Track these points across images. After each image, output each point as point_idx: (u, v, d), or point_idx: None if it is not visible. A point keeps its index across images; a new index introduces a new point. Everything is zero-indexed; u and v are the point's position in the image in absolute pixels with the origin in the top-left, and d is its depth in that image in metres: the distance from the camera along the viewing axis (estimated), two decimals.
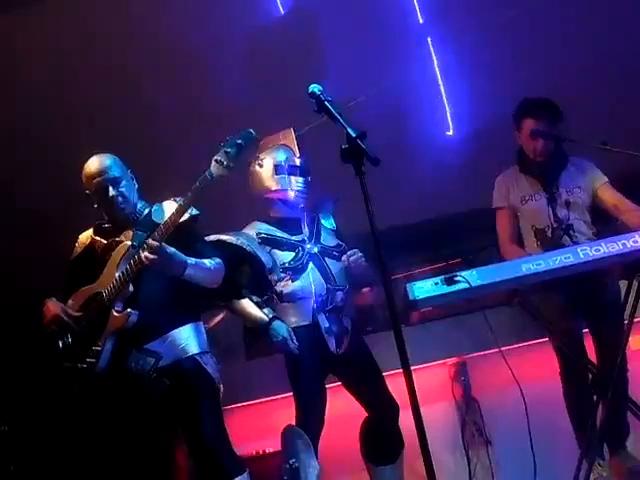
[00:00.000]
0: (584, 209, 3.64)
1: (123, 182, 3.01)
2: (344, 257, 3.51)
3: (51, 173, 4.36)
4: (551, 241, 3.53)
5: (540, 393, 3.65)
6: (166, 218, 2.87)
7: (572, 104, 3.76)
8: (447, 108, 5.00)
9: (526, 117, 3.64)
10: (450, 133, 4.97)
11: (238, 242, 3.47)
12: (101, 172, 2.99)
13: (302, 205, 3.66)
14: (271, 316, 3.38)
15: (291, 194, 3.60)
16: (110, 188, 2.98)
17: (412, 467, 3.56)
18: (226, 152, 2.80)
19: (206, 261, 2.99)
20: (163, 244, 2.79)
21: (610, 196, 3.64)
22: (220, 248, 3.31)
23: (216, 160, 2.81)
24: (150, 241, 2.79)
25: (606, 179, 3.69)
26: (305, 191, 3.63)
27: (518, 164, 3.76)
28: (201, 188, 2.84)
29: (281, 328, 3.35)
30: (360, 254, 3.46)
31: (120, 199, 3.00)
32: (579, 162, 3.73)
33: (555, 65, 4.73)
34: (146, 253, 2.78)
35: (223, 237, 3.47)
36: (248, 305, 3.43)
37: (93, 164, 3.02)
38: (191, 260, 2.90)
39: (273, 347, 3.45)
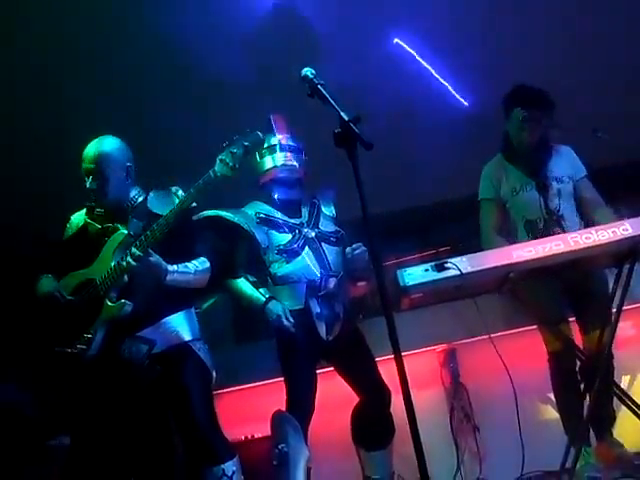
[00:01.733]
0: (572, 198, 3.65)
1: (105, 174, 2.98)
2: (348, 249, 3.49)
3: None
4: (543, 232, 3.53)
5: (529, 380, 3.68)
6: (163, 216, 2.86)
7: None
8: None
9: (517, 106, 3.62)
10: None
11: (236, 219, 3.47)
12: (86, 160, 3.00)
13: (298, 178, 3.64)
14: (267, 296, 3.39)
15: (279, 171, 3.59)
16: (90, 178, 2.99)
17: (400, 452, 3.57)
18: (232, 152, 2.80)
19: (190, 265, 2.98)
20: (149, 251, 2.79)
21: (588, 191, 3.67)
22: (217, 224, 3.31)
23: (221, 160, 2.81)
24: (133, 249, 2.79)
25: (586, 172, 3.71)
26: (297, 163, 3.61)
27: (503, 152, 3.75)
28: (204, 186, 2.83)
29: (276, 306, 3.36)
30: (364, 248, 3.43)
31: (97, 191, 2.99)
32: (561, 149, 3.73)
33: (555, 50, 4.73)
34: (129, 259, 2.79)
35: (222, 213, 3.48)
36: (244, 285, 3.44)
37: (86, 149, 3.03)
38: (172, 267, 2.90)
39: (267, 328, 3.45)
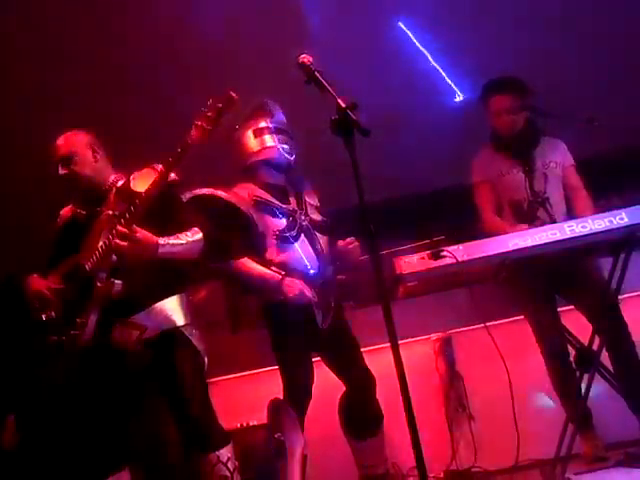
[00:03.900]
0: (559, 183, 3.70)
1: (74, 158, 3.00)
2: (341, 242, 3.46)
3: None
4: (527, 214, 3.58)
5: (524, 369, 3.69)
6: (144, 189, 2.84)
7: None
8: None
9: (489, 96, 3.75)
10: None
11: (233, 200, 3.40)
12: (53, 152, 3.04)
13: (288, 163, 3.56)
14: (283, 273, 3.32)
15: (277, 151, 3.51)
16: (59, 167, 3.01)
17: (395, 441, 3.58)
18: (207, 116, 2.77)
19: (182, 236, 2.94)
20: (133, 227, 2.76)
21: (574, 180, 3.73)
22: (212, 204, 3.28)
23: (196, 124, 2.78)
24: (119, 227, 2.77)
25: (573, 162, 3.78)
26: (290, 149, 3.54)
27: (492, 143, 3.82)
28: (181, 153, 2.81)
29: (296, 282, 3.30)
30: (357, 243, 3.41)
31: (68, 175, 3.00)
32: (552, 140, 3.80)
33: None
34: (116, 240, 2.77)
35: (218, 193, 3.39)
36: (252, 264, 3.35)
37: (54, 143, 3.06)
38: (162, 240, 2.86)
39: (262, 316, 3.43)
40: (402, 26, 4.76)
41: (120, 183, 3.07)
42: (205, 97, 2.82)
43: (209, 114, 2.77)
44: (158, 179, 2.82)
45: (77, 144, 3.04)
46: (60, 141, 3.06)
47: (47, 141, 3.08)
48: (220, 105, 2.79)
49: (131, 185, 3.03)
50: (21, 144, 4.46)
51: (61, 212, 3.20)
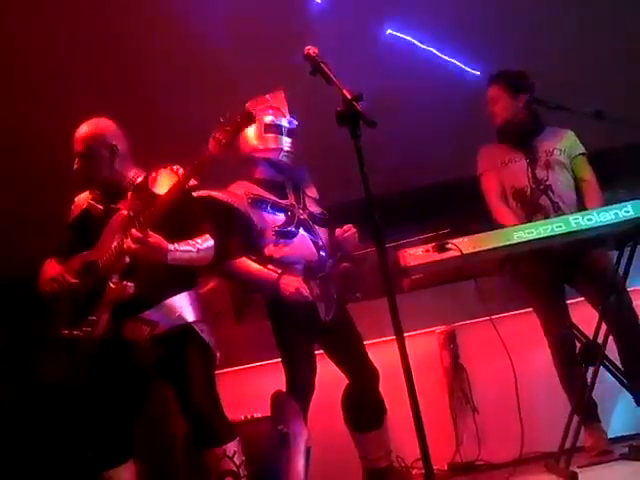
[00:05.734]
0: (564, 170, 3.69)
1: (88, 155, 2.99)
2: (338, 230, 3.45)
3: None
4: (530, 201, 3.60)
5: (529, 362, 3.69)
6: (162, 192, 2.86)
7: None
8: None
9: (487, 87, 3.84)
10: None
11: (229, 200, 3.39)
12: (74, 143, 3.02)
13: (287, 163, 3.56)
14: (280, 271, 3.32)
15: (279, 153, 3.51)
16: (76, 160, 3.01)
17: (398, 434, 3.58)
18: (225, 130, 2.79)
19: (191, 242, 2.95)
20: (147, 231, 2.77)
21: (582, 171, 3.72)
22: (209, 205, 3.27)
23: (214, 137, 2.79)
24: (133, 231, 2.77)
25: (584, 150, 3.77)
26: (292, 152, 3.54)
27: (497, 134, 3.84)
28: (199, 165, 2.82)
29: (292, 279, 3.30)
30: (354, 230, 3.41)
31: (83, 172, 3.01)
32: (558, 130, 3.81)
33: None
34: (129, 242, 2.77)
35: (214, 194, 3.38)
36: (249, 263, 3.35)
37: (76, 132, 3.03)
38: (172, 246, 2.86)
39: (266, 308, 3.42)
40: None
41: (139, 180, 3.06)
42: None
43: (227, 128, 2.79)
44: (177, 189, 2.83)
45: (96, 142, 3.00)
46: (80, 134, 3.02)
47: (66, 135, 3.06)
48: (239, 120, 2.81)
49: (149, 184, 3.03)
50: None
51: (76, 199, 3.19)
